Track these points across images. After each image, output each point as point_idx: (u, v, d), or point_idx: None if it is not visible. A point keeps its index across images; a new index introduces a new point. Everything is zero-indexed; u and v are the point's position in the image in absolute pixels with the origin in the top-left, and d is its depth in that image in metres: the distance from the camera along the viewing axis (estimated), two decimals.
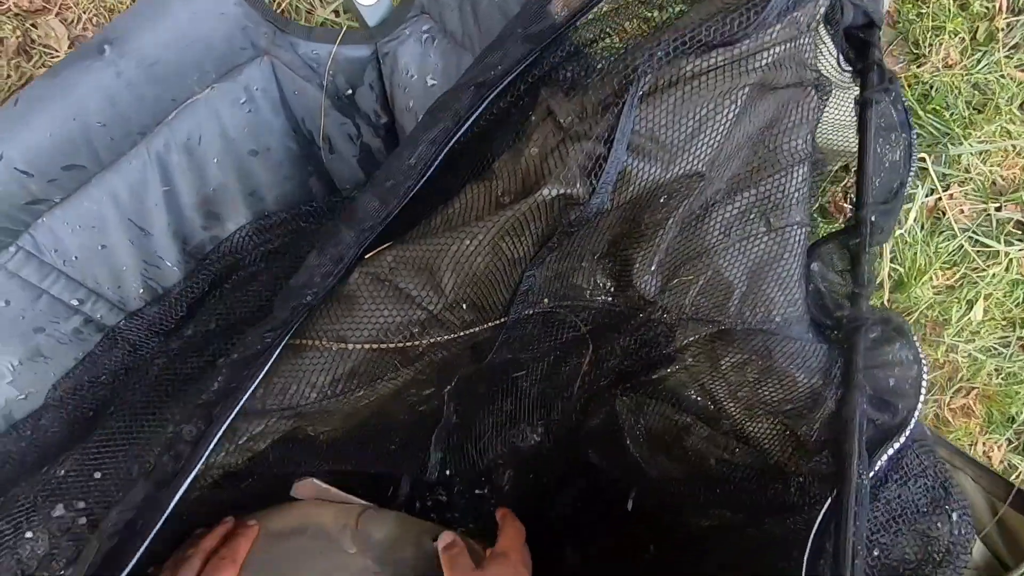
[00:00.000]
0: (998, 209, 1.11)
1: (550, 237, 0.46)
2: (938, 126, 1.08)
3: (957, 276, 1.12)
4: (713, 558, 0.61)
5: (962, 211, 1.11)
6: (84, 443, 0.50)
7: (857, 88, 0.52)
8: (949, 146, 1.08)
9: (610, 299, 0.54)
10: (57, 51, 0.92)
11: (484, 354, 0.64)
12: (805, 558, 0.47)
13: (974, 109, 1.09)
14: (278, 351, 0.46)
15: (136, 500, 0.47)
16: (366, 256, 0.48)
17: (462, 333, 0.50)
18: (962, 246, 1.09)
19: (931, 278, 1.10)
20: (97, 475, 0.48)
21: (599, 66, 0.44)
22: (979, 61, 1.09)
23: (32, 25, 0.95)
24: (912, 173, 0.58)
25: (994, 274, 1.10)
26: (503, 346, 0.59)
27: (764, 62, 0.42)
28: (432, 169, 0.46)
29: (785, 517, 0.55)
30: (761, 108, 0.44)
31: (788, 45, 0.42)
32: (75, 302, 0.58)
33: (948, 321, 1.12)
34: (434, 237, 0.45)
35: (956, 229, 1.10)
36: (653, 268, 0.49)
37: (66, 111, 0.48)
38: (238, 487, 0.57)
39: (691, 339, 0.53)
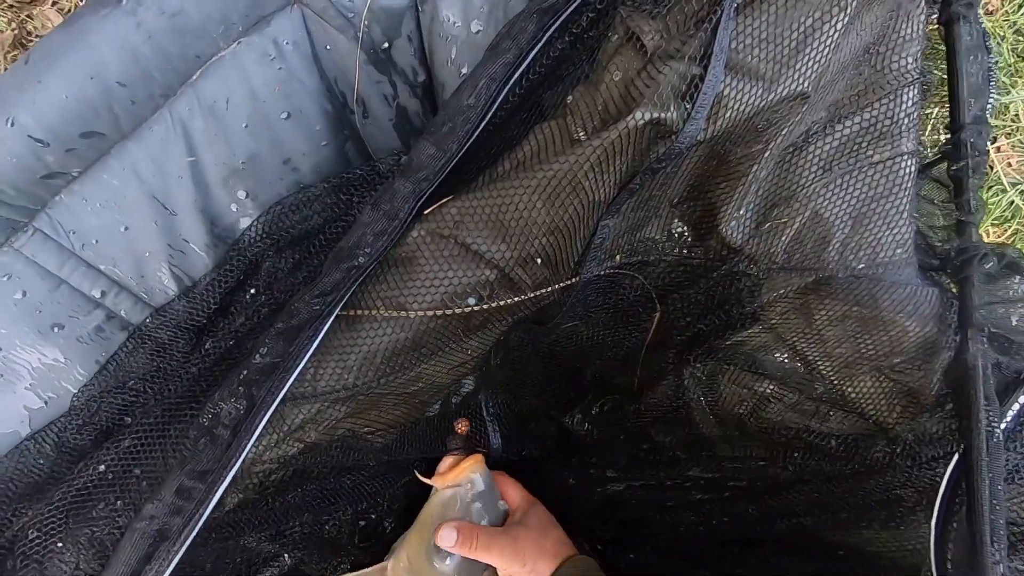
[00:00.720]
0: None
1: (633, 177, 0.41)
2: None
3: (1009, 232, 1.07)
4: (805, 530, 0.56)
5: (1010, 164, 1.06)
6: (123, 440, 0.45)
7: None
8: (996, 95, 1.03)
9: (686, 251, 0.49)
10: None
11: (541, 324, 0.59)
12: (933, 522, 0.42)
13: (1018, 57, 1.04)
14: (330, 321, 0.41)
15: (168, 497, 0.42)
16: (425, 212, 0.43)
17: (532, 295, 0.45)
18: (1013, 201, 1.04)
19: (984, 235, 1.05)
20: (136, 471, 0.43)
21: None
22: (1020, 6, 1.04)
23: (28, 16, 0.91)
24: (994, 98, 0.53)
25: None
26: (566, 314, 0.54)
27: None
28: (495, 108, 0.41)
29: (892, 482, 0.50)
30: (868, 20, 0.39)
31: None
32: (96, 294, 0.53)
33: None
34: (505, 181, 0.40)
35: (1005, 183, 1.05)
36: (742, 211, 0.44)
37: (83, 69, 0.43)
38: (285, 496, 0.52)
39: (780, 293, 0.48)
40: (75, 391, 0.54)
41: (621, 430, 0.71)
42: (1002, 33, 1.03)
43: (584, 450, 0.74)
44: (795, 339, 0.50)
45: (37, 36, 0.93)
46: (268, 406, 0.40)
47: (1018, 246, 1.06)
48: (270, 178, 0.54)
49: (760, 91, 0.38)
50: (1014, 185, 1.05)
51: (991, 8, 1.04)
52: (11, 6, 0.94)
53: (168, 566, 0.40)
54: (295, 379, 0.41)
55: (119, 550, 0.39)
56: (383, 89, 0.56)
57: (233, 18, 0.48)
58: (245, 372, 0.40)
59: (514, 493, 0.59)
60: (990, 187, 1.06)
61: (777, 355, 0.52)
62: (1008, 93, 1.03)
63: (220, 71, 0.49)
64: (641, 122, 0.37)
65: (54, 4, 0.95)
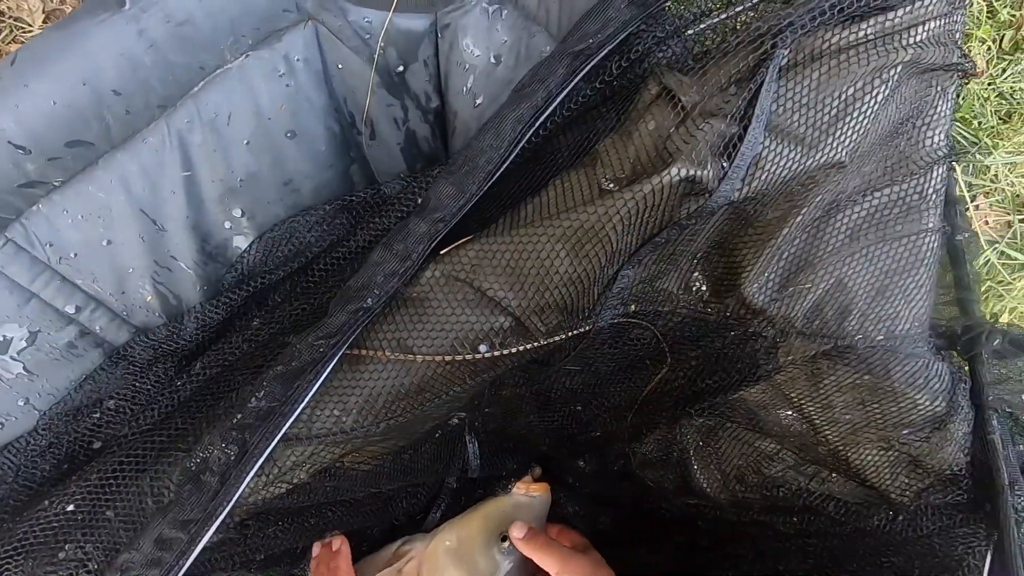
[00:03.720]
0: (1022, 221, 1.09)
1: (660, 231, 0.39)
2: (967, 135, 1.06)
3: (983, 289, 1.10)
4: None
5: (986, 222, 1.10)
6: (90, 476, 0.42)
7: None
8: (978, 156, 1.06)
9: (703, 307, 0.48)
10: (31, 26, 0.82)
11: (537, 369, 0.57)
12: None
13: (1001, 119, 1.08)
14: (332, 363, 0.39)
15: (147, 548, 0.38)
16: (441, 252, 0.41)
17: (544, 342, 0.43)
18: (988, 259, 1.08)
19: None
20: (109, 513, 0.39)
21: (729, 37, 0.38)
22: (1004, 70, 1.08)
23: None
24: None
25: (1020, 287, 1.08)
26: (572, 358, 0.52)
27: (918, 37, 0.36)
28: (518, 149, 0.40)
29: (885, 549, 0.49)
30: (907, 93, 0.39)
31: (943, 20, 0.37)
32: (70, 309, 0.49)
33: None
34: (527, 228, 0.38)
35: (982, 242, 1.08)
36: (767, 273, 0.43)
37: (76, 74, 0.40)
38: (266, 530, 0.48)
39: (795, 357, 0.47)
40: (39, 410, 0.50)
41: (611, 473, 0.69)
42: (986, 95, 1.07)
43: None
44: (801, 401, 0.50)
45: (12, 18, 0.88)
46: (261, 452, 0.37)
47: (991, 303, 1.09)
48: (269, 198, 0.51)
49: (799, 156, 0.37)
50: (991, 244, 1.09)
51: (977, 71, 1.07)
52: None
53: None
54: (291, 421, 0.38)
55: None
56: (394, 112, 0.54)
57: (244, 31, 0.45)
58: (240, 416, 0.37)
59: (575, 535, 0.60)
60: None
61: (780, 414, 0.52)
62: (990, 154, 1.07)
63: (225, 84, 0.46)
64: (677, 178, 0.35)
65: None
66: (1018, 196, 1.10)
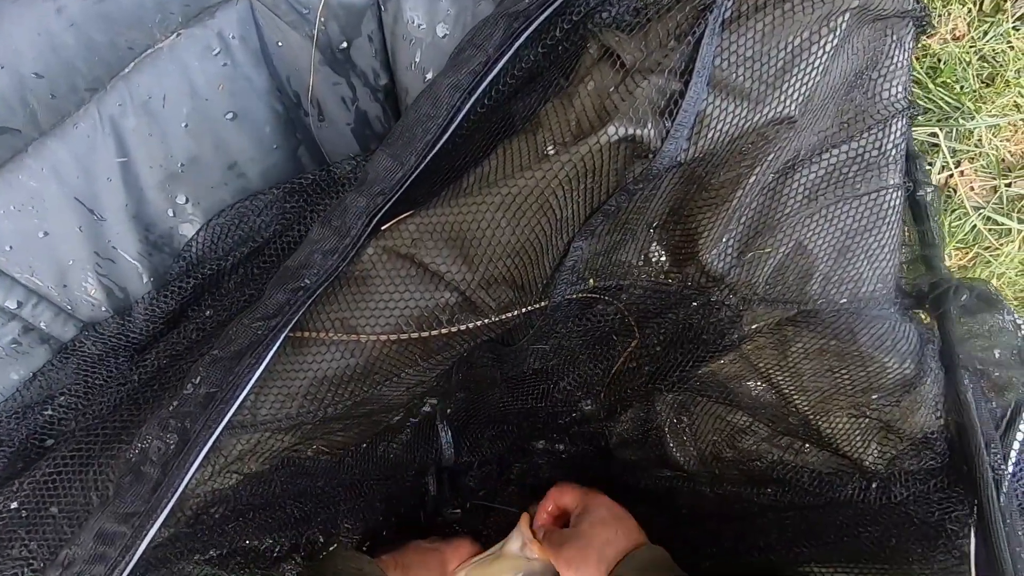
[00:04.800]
0: (1008, 186, 1.08)
1: (608, 198, 0.38)
2: (949, 100, 1.04)
3: (970, 256, 1.08)
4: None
5: (972, 188, 1.08)
6: (36, 472, 0.40)
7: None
8: (960, 120, 1.04)
9: (663, 277, 0.46)
10: None
11: (504, 350, 0.56)
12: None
13: (983, 83, 1.06)
14: (275, 347, 0.37)
15: (88, 542, 0.37)
16: (382, 228, 0.39)
17: (496, 318, 0.42)
18: (975, 226, 1.06)
19: (947, 258, 1.06)
20: (54, 510, 0.38)
21: None
22: (986, 33, 1.05)
23: None
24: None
25: (1007, 253, 1.06)
26: (534, 336, 0.51)
27: None
28: (459, 119, 0.38)
29: (860, 518, 0.48)
30: (859, 43, 0.37)
31: None
32: (11, 304, 0.48)
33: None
34: (467, 197, 0.37)
35: (968, 207, 1.06)
36: (725, 239, 0.41)
37: None
38: (225, 525, 0.47)
39: (760, 324, 0.46)
40: None
41: (587, 453, 0.68)
42: (968, 59, 1.05)
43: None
44: (770, 370, 0.48)
45: None
46: (205, 440, 0.36)
47: (979, 270, 1.07)
48: (213, 182, 0.50)
49: (745, 111, 0.35)
50: (977, 209, 1.07)
51: (958, 34, 1.05)
52: None
53: None
54: (235, 409, 0.37)
55: None
56: (341, 91, 0.52)
57: (172, 7, 0.43)
58: (176, 404, 0.35)
59: (571, 496, 0.58)
60: (953, 211, 1.07)
61: (751, 385, 0.50)
62: (973, 119, 1.05)
63: (156, 65, 0.45)
64: (615, 137, 0.34)
65: None
66: (1003, 160, 1.08)
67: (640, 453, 0.62)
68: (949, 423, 0.41)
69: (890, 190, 0.40)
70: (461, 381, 0.61)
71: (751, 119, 0.36)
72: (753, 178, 0.39)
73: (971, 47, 1.05)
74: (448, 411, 0.65)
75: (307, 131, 0.52)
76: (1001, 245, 1.07)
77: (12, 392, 0.49)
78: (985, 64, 1.06)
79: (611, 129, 0.33)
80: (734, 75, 0.35)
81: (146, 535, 0.37)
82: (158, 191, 0.48)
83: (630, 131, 0.33)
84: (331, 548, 0.65)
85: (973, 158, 1.07)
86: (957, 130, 1.06)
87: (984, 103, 1.06)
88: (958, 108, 1.05)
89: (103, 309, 0.50)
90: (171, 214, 0.49)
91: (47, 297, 0.48)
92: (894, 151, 0.40)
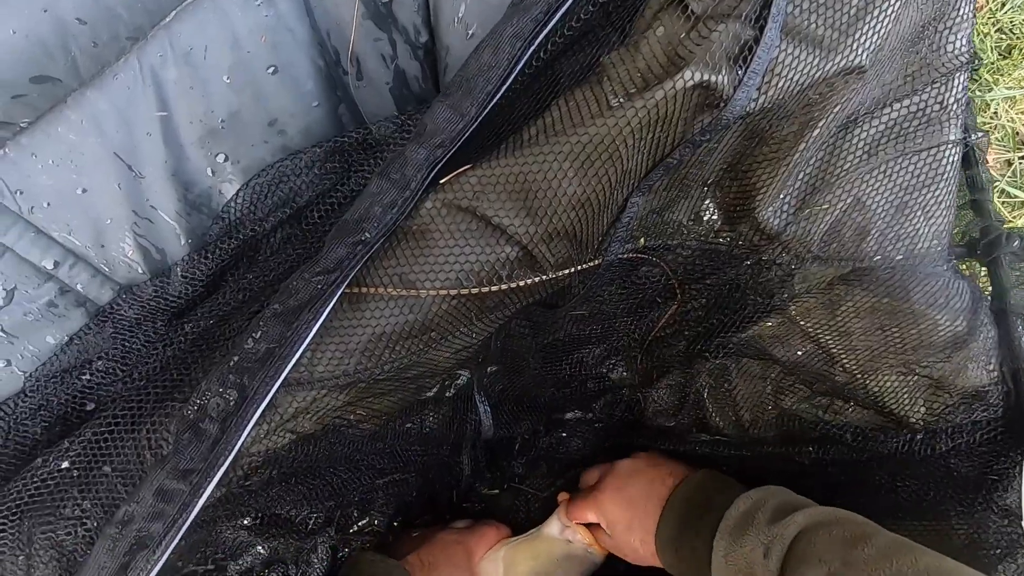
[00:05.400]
0: (1022, 159, 1.08)
1: (672, 149, 0.37)
2: None
3: None
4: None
5: (987, 160, 1.09)
6: (84, 432, 0.40)
7: None
8: (977, 92, 1.04)
9: (713, 237, 0.46)
10: None
11: (545, 316, 0.56)
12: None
13: (1000, 55, 1.06)
14: (332, 301, 0.36)
15: (148, 499, 0.37)
16: (441, 181, 0.39)
17: (553, 275, 0.41)
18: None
19: None
20: (106, 469, 0.37)
21: None
22: (1004, 4, 1.05)
23: None
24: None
25: (1019, 226, 1.07)
26: (579, 301, 0.51)
27: None
28: (519, 68, 0.37)
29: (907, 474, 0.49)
30: None
31: None
32: (48, 264, 0.47)
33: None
34: (532, 147, 0.36)
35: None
36: (783, 195, 0.41)
37: (34, 0, 0.37)
38: (270, 490, 0.47)
39: (811, 284, 0.45)
40: (22, 372, 0.48)
41: (620, 422, 0.68)
42: (986, 31, 1.04)
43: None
44: (818, 331, 0.48)
45: None
46: (262, 397, 0.36)
47: None
48: (253, 140, 0.48)
49: (817, 60, 0.35)
50: (991, 182, 1.07)
51: (977, 5, 1.04)
52: None
53: None
54: (292, 365, 0.36)
55: (92, 559, 0.34)
56: (381, 48, 0.51)
57: None
58: (236, 359, 0.35)
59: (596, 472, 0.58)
60: None
61: (796, 347, 0.50)
62: (990, 90, 1.05)
63: (198, 14, 0.43)
64: (690, 83, 0.33)
65: None
66: (1018, 134, 1.09)
67: (676, 419, 0.62)
68: (1004, 373, 0.41)
69: (949, 145, 0.40)
70: (499, 350, 0.60)
71: (822, 68, 0.35)
72: (817, 131, 0.38)
73: (989, 18, 1.05)
74: (484, 383, 0.64)
75: (347, 89, 0.51)
76: (1014, 218, 1.08)
77: (49, 356, 0.48)
78: (1003, 36, 1.06)
79: (687, 74, 0.32)
80: (806, 22, 0.34)
81: (203, 492, 0.37)
82: (198, 148, 0.47)
83: (705, 77, 0.33)
84: (362, 523, 0.65)
85: (989, 130, 1.08)
86: (974, 102, 1.06)
87: (1001, 75, 1.06)
88: (975, 80, 1.05)
89: (140, 271, 0.49)
90: (210, 172, 0.48)
91: (84, 257, 0.47)
92: (955, 106, 0.39)
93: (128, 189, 0.46)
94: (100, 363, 0.48)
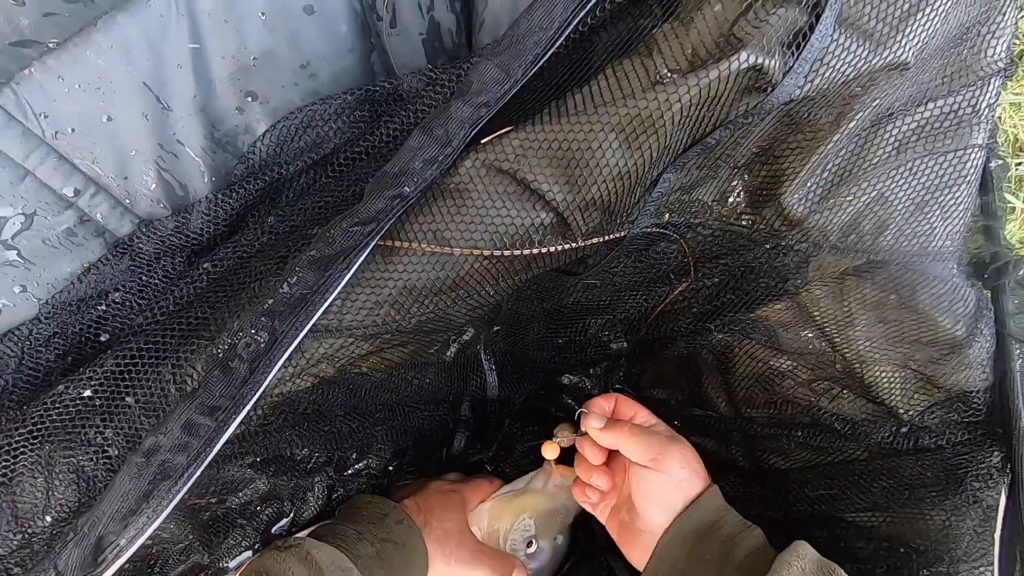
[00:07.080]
0: (1019, 165, 1.11)
1: (713, 130, 0.38)
2: None
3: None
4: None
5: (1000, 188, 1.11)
6: (105, 362, 0.40)
7: None
8: None
9: (735, 219, 0.47)
10: None
11: (557, 281, 0.56)
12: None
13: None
14: (366, 252, 0.37)
15: (175, 431, 0.38)
16: (482, 141, 0.39)
17: (582, 243, 0.42)
18: None
19: None
20: (129, 400, 0.38)
21: None
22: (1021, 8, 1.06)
23: None
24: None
25: (1009, 231, 1.11)
26: (597, 272, 0.52)
27: None
28: (569, 30, 0.37)
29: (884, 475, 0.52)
30: None
31: None
32: (69, 192, 0.46)
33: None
34: (579, 116, 0.36)
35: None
36: (810, 183, 0.42)
37: None
38: (283, 432, 0.48)
39: (825, 272, 0.47)
40: (38, 299, 0.47)
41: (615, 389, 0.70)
42: None
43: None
44: (824, 320, 0.50)
45: None
46: (291, 341, 0.36)
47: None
48: (284, 82, 0.48)
49: (865, 52, 0.35)
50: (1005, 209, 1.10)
51: None
52: None
53: (167, 506, 0.36)
54: (323, 310, 0.37)
55: (115, 484, 0.35)
56: None
57: None
58: (271, 302, 0.35)
59: (644, 412, 0.54)
60: None
61: (801, 333, 0.52)
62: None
63: None
64: (744, 65, 0.33)
65: None
66: (1017, 140, 1.11)
67: (671, 391, 0.65)
68: (994, 386, 0.43)
69: (975, 149, 0.41)
70: (508, 312, 0.61)
71: (870, 61, 0.36)
72: (853, 123, 0.39)
73: None
74: (489, 343, 0.66)
75: (380, 37, 0.50)
76: (1009, 226, 1.11)
77: (65, 284, 0.48)
78: (1017, 41, 1.07)
79: (743, 55, 0.33)
80: (860, 13, 0.35)
81: (227, 429, 0.38)
82: (228, 85, 0.46)
83: (759, 60, 0.33)
84: (359, 465, 0.66)
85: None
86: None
87: (1009, 80, 1.08)
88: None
89: (161, 205, 0.49)
90: (239, 111, 0.47)
91: (106, 188, 0.47)
92: (987, 111, 0.41)
93: (155, 121, 0.45)
94: (117, 295, 0.48)
